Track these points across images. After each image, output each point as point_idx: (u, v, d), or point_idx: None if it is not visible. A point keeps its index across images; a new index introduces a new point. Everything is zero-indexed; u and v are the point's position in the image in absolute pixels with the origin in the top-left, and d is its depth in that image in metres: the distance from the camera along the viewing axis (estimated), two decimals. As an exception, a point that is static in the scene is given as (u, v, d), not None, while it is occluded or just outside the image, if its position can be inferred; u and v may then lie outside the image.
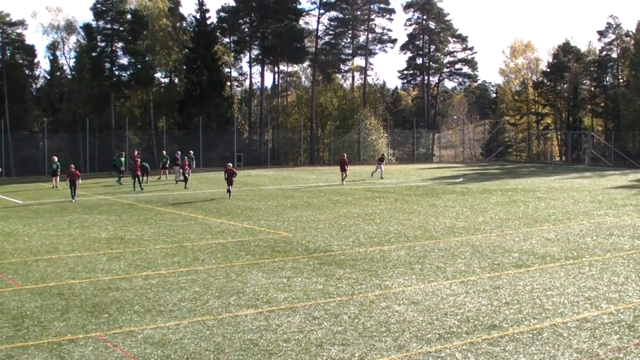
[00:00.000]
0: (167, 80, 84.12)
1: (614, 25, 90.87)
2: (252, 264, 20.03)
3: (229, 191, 39.38)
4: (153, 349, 12.45)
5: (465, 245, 23.09)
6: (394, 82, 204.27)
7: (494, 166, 75.29)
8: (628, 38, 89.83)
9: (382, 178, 53.25)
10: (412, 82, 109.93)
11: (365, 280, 17.80)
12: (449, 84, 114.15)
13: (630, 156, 77.38)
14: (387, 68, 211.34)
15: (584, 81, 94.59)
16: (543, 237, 24.64)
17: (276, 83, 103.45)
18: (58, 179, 46.29)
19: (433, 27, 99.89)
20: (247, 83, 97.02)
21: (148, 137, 76.59)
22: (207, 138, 71.33)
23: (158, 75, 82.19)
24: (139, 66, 75.89)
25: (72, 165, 40.34)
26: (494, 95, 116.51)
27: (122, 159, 53.01)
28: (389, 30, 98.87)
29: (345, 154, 54.61)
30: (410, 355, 12.10)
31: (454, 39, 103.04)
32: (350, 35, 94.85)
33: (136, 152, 53.41)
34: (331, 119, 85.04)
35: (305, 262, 20.32)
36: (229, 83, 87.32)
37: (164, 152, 56.27)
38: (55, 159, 48.51)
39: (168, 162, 54.30)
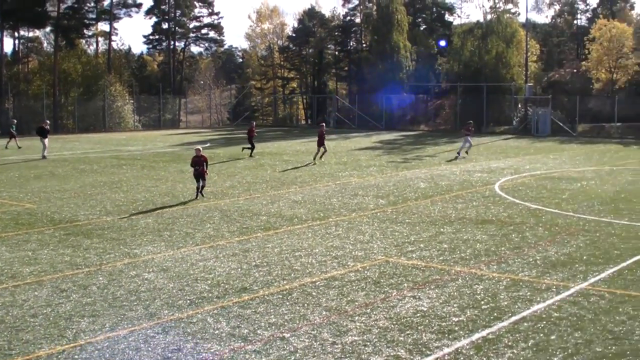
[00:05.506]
0: None
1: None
2: (-11, 238, 18.87)
3: (200, 191, 25.98)
4: None
5: (213, 210, 23.04)
6: (139, 48, 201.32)
7: (241, 130, 75.88)
8: (371, 4, 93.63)
9: (467, 153, 42.29)
10: (158, 47, 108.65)
11: (113, 250, 17.28)
12: (195, 49, 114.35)
13: (373, 118, 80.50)
14: (133, 33, 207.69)
15: (329, 46, 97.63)
16: (290, 200, 25.11)
17: (16, 49, 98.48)
18: None
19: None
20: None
21: None
22: None
23: None
24: None
25: None
26: (241, 60, 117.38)
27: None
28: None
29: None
30: (161, 322, 11.88)
31: (200, 4, 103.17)
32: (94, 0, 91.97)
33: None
34: (75, 86, 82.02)
35: (51, 233, 19.43)
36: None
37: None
38: None
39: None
